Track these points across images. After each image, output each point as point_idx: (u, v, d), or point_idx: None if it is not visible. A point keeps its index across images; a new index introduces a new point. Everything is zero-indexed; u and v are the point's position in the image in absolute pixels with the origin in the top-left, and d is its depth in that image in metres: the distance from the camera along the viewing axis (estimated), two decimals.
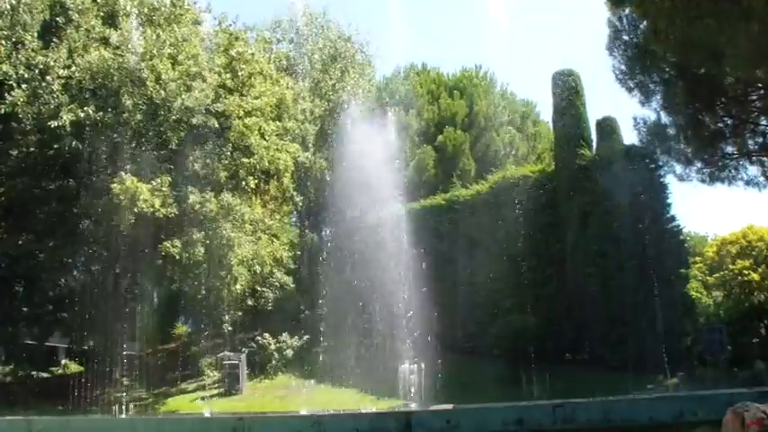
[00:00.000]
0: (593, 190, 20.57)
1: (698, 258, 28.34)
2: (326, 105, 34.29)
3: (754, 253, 25.46)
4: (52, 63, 22.59)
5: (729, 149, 20.27)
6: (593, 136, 22.60)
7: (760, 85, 18.43)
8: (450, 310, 23.88)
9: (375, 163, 20.43)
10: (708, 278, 26.47)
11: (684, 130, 19.63)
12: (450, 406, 14.82)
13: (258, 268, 24.56)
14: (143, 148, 23.44)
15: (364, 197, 23.21)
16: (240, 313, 26.34)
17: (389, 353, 19.66)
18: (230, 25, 28.06)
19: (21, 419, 17.91)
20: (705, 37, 13.91)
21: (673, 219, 20.57)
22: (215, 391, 24.11)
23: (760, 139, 20.10)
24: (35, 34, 23.65)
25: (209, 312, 22.98)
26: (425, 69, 37.95)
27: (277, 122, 26.17)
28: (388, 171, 21.20)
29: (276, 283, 26.79)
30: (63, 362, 34.88)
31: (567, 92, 22.08)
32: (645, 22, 17.38)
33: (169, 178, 22.36)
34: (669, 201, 20.71)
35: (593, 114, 26.31)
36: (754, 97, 19.36)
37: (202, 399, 23.32)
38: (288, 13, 38.51)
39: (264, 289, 26.70)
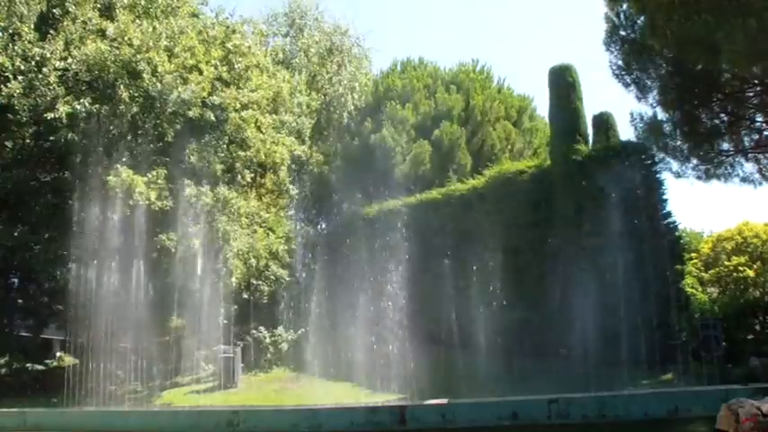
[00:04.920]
0: (588, 185, 20.57)
1: (693, 254, 28.30)
2: (323, 99, 34.28)
3: (749, 249, 25.44)
4: (49, 55, 22.54)
5: (725, 146, 20.23)
6: (590, 131, 22.62)
7: (756, 81, 18.42)
8: (446, 304, 23.91)
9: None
10: (703, 274, 26.44)
11: (681, 127, 19.59)
12: (444, 400, 14.87)
13: (254, 261, 24.57)
14: (139, 141, 23.43)
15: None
16: (235, 306, 26.35)
17: (384, 347, 19.69)
18: (227, 18, 28.01)
19: (16, 411, 17.99)
20: (703, 33, 13.90)
21: (668, 215, 20.58)
22: (210, 385, 24.13)
23: (756, 136, 20.09)
24: (32, 26, 23.57)
25: (204, 305, 23.01)
26: (422, 63, 37.79)
27: (273, 115, 26.15)
28: None
29: (272, 277, 26.79)
30: (58, 354, 34.80)
31: (564, 87, 22.04)
32: (642, 18, 17.36)
33: (165, 171, 22.35)
34: (665, 197, 20.73)
35: (590, 110, 26.30)
36: (751, 94, 19.34)
37: (197, 392, 23.34)
38: (283, 6, 38.58)
39: (260, 282, 26.69)
